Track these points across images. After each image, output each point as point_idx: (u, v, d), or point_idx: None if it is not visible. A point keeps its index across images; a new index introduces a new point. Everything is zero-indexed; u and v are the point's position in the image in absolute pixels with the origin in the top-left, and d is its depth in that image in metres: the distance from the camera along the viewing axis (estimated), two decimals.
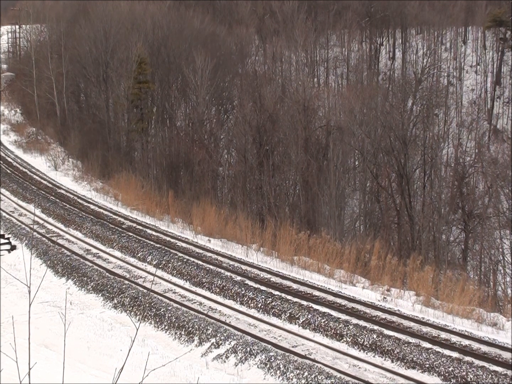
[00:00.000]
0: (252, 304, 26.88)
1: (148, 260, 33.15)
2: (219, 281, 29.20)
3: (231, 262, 32.09)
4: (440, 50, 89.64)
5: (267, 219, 40.16)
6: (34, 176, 55.17)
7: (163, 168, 52.39)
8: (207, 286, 29.17)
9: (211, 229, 38.47)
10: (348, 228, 43.09)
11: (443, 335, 22.56)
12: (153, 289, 28.77)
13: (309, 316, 24.94)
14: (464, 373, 19.90)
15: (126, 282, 30.02)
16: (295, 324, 24.87)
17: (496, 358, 20.60)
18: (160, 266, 32.01)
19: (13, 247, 36.90)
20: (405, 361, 21.14)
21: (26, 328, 23.23)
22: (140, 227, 38.89)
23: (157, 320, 26.01)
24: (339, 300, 26.53)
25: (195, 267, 31.14)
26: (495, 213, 38.19)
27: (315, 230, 37.88)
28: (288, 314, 25.49)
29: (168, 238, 36.44)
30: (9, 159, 62.82)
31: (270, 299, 26.86)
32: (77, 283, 31.07)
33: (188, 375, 21.44)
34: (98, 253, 34.76)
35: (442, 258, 36.00)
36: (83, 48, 64.69)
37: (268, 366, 21.33)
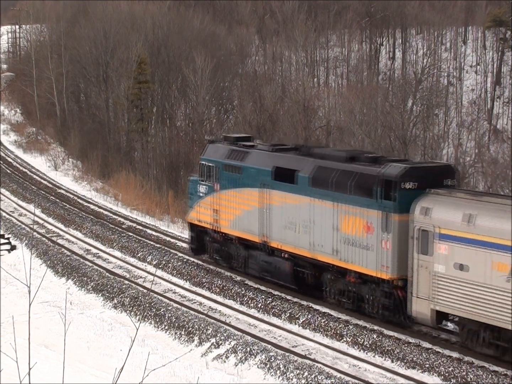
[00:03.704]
0: (252, 304, 26.87)
1: (148, 260, 33.13)
2: (219, 281, 29.19)
3: None
4: (440, 50, 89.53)
5: None
6: (34, 176, 55.16)
7: (163, 168, 52.38)
8: (207, 286, 29.16)
9: None
10: None
11: None
12: (153, 289, 28.77)
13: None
14: None
15: (126, 282, 30.02)
16: (295, 324, 24.87)
17: None
18: (160, 266, 31.99)
19: (13, 247, 36.90)
20: None
21: (26, 328, 23.20)
22: (140, 227, 38.86)
23: (157, 320, 26.02)
24: None
25: (195, 267, 31.13)
26: None
27: None
28: (288, 314, 25.50)
29: (168, 238, 36.39)
30: (9, 159, 62.81)
31: (270, 299, 26.85)
32: (77, 283, 31.07)
33: (188, 375, 21.46)
34: (98, 253, 34.74)
35: None
36: (83, 48, 64.68)
37: (268, 366, 21.34)
